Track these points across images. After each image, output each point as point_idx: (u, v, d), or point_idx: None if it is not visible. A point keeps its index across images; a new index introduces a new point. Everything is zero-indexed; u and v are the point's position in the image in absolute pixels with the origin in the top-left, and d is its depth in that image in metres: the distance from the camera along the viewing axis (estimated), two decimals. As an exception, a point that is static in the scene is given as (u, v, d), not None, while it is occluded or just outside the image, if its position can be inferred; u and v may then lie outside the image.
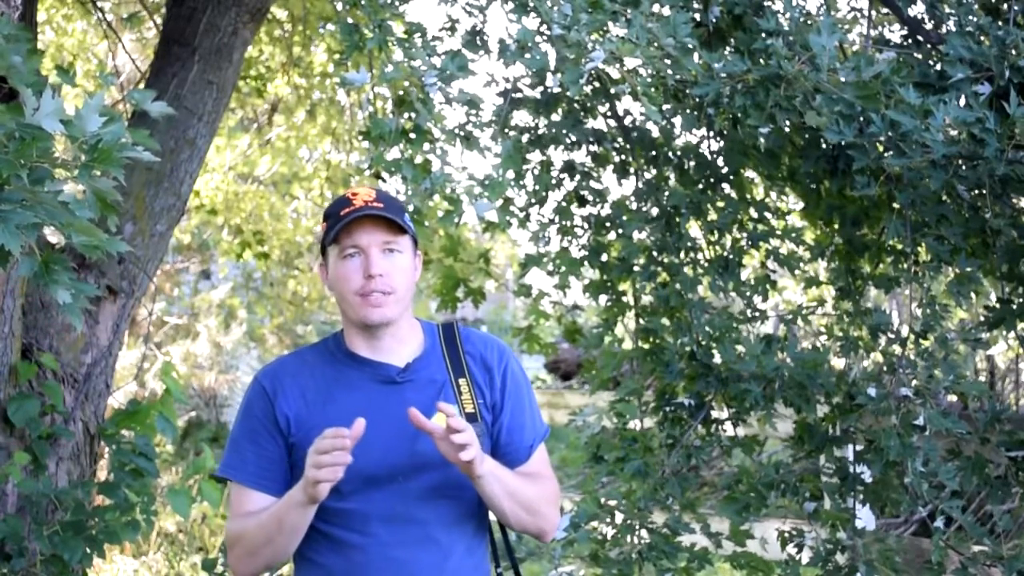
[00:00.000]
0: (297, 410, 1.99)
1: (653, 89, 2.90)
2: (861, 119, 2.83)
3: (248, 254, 7.43)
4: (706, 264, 3.59)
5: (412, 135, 3.03)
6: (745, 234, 3.61)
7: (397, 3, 3.10)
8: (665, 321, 3.57)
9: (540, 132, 3.61)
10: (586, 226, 3.66)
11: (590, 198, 3.68)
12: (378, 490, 1.96)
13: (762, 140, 3.04)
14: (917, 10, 3.47)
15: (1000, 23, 2.94)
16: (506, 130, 3.45)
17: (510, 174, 3.26)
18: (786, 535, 3.39)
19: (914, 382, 3.08)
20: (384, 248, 1.97)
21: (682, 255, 3.57)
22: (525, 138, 3.57)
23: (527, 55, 2.97)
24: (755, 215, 3.64)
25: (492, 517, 2.11)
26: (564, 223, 3.66)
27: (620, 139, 3.72)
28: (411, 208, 3.04)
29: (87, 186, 1.91)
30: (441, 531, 1.99)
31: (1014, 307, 3.09)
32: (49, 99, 1.82)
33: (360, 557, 1.96)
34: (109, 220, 2.08)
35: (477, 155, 3.21)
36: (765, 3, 3.30)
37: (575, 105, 3.60)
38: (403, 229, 1.99)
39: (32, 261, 1.91)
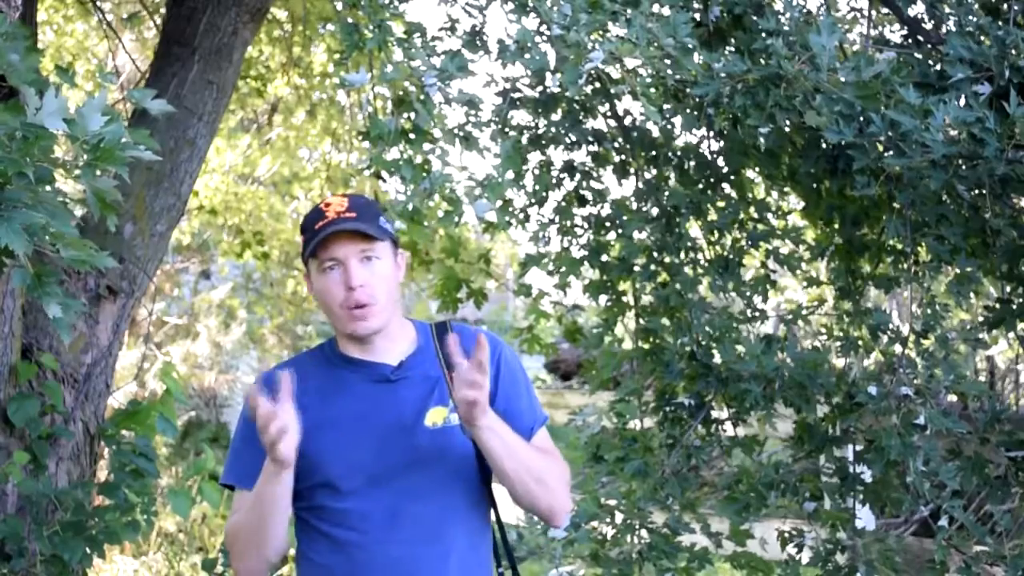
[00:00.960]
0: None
1: (653, 89, 2.90)
2: (861, 119, 2.82)
3: (248, 254, 7.43)
4: (706, 264, 3.58)
5: (411, 135, 3.03)
6: (745, 234, 3.60)
7: (397, 3, 3.10)
8: (665, 321, 3.57)
9: (540, 132, 3.60)
10: (586, 226, 3.66)
11: (590, 198, 3.68)
12: (377, 488, 1.96)
13: (762, 140, 3.04)
14: (917, 10, 3.46)
15: (1000, 23, 2.94)
16: (506, 130, 3.44)
17: (510, 174, 3.25)
18: (786, 535, 3.39)
19: (914, 382, 3.08)
20: (362, 257, 1.97)
21: (682, 255, 3.56)
22: (525, 138, 3.56)
23: (527, 55, 2.96)
24: (755, 215, 3.64)
25: (494, 518, 2.11)
26: (564, 223, 3.65)
27: (620, 139, 3.71)
28: (410, 208, 3.04)
29: (88, 186, 1.91)
30: (442, 527, 1.99)
31: (1014, 307, 3.08)
32: (52, 98, 1.82)
33: (362, 555, 1.96)
34: (109, 220, 2.09)
35: (477, 155, 3.21)
36: (765, 3, 3.30)
37: (575, 105, 3.59)
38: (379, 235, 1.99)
39: (24, 273, 1.92)
